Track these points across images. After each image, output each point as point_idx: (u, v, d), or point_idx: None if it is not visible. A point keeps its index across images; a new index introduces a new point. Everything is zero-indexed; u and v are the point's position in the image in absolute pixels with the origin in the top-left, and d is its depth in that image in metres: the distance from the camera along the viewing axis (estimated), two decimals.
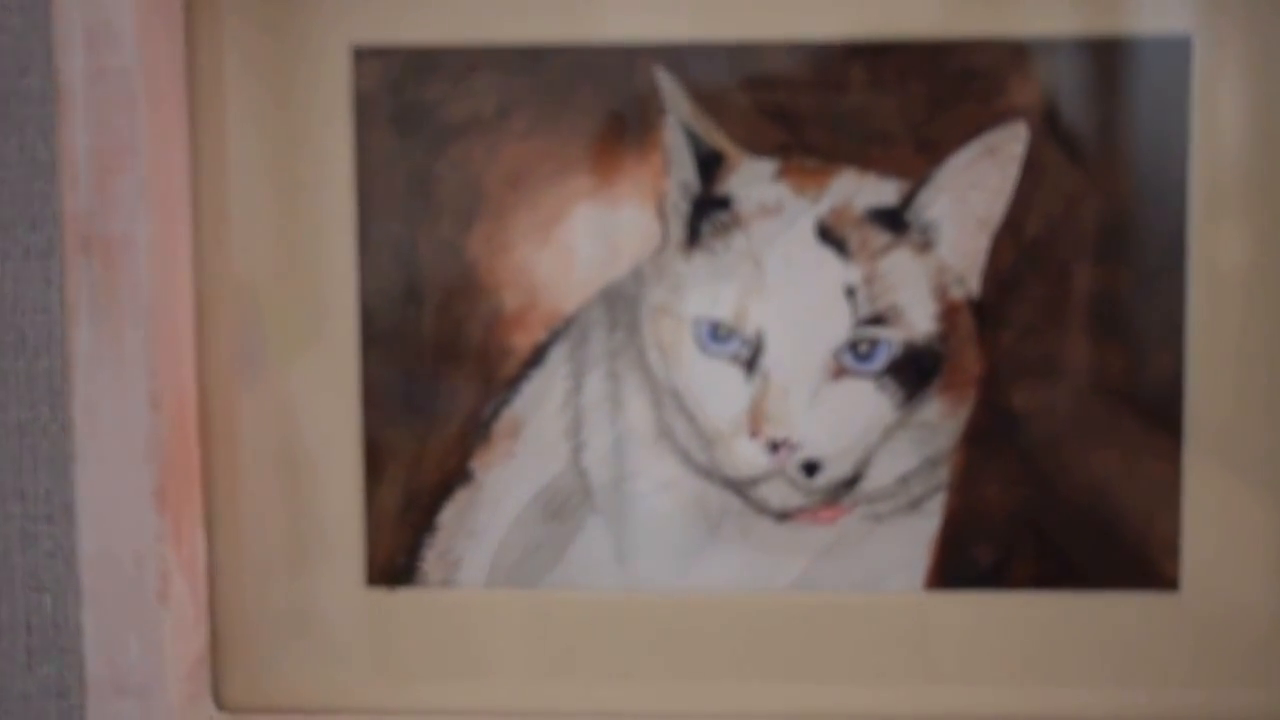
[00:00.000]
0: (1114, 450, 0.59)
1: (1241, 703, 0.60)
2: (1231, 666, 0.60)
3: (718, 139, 0.58)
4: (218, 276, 0.60)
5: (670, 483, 0.60)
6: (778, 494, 0.59)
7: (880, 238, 0.58)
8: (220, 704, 0.62)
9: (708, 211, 0.59)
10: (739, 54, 0.58)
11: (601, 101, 0.58)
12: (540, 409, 0.60)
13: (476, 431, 0.60)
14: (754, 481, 0.59)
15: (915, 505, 0.60)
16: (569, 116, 0.58)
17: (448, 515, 0.61)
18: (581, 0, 0.57)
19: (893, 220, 0.58)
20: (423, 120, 0.59)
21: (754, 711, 0.61)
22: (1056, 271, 0.58)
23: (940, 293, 0.58)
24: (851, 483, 0.59)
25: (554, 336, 0.60)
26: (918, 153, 0.57)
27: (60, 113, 0.55)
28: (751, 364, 0.59)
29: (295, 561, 0.61)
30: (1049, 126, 0.57)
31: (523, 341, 0.60)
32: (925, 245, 0.58)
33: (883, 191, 0.58)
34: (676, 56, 0.58)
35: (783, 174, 0.58)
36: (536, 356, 0.60)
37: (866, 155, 0.58)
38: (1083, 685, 0.60)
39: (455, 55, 0.58)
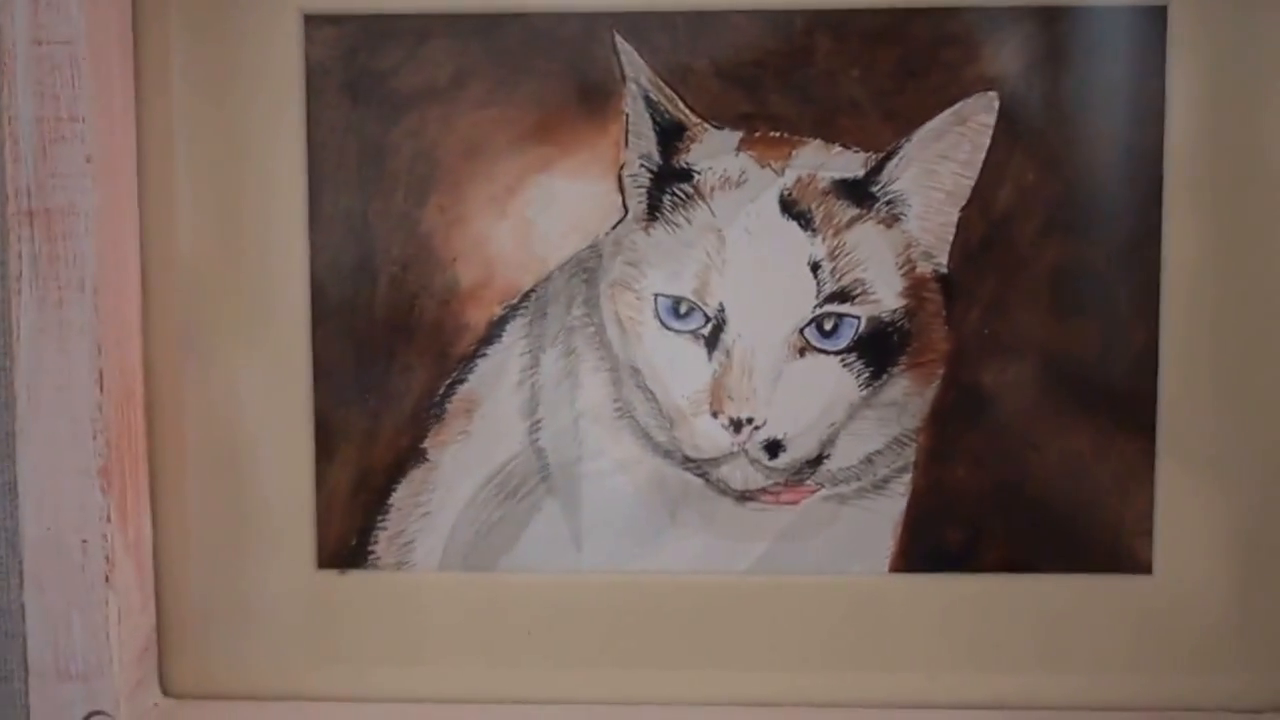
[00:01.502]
0: (1085, 430, 0.58)
1: (1216, 687, 0.59)
2: (1207, 651, 0.59)
3: (679, 109, 0.58)
4: (165, 250, 0.59)
5: (629, 463, 0.59)
6: (739, 474, 0.59)
7: (846, 211, 0.57)
8: (166, 689, 0.61)
9: (669, 184, 0.58)
10: (701, 21, 0.57)
11: (559, 70, 0.57)
12: (496, 387, 0.59)
13: (430, 410, 0.59)
14: (715, 461, 0.59)
15: (881, 486, 0.59)
16: (526, 86, 0.57)
17: (400, 496, 0.60)
18: None
19: (859, 193, 0.57)
20: (375, 89, 0.58)
21: (715, 698, 0.60)
22: (1027, 246, 0.57)
23: (908, 268, 0.58)
24: (815, 463, 0.59)
25: (511, 312, 0.59)
26: (885, 123, 0.57)
27: (2, 82, 0.54)
28: (713, 341, 0.58)
29: (244, 544, 0.60)
30: (1021, 96, 0.57)
31: (478, 317, 0.59)
32: (892, 219, 0.57)
33: (849, 163, 0.57)
34: (636, 24, 0.57)
35: (746, 145, 0.58)
36: (493, 332, 0.59)
37: (832, 126, 0.57)
38: (1053, 671, 0.59)
39: (409, 22, 0.57)
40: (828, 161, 0.57)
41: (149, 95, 0.58)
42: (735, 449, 0.58)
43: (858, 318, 0.57)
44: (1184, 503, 0.58)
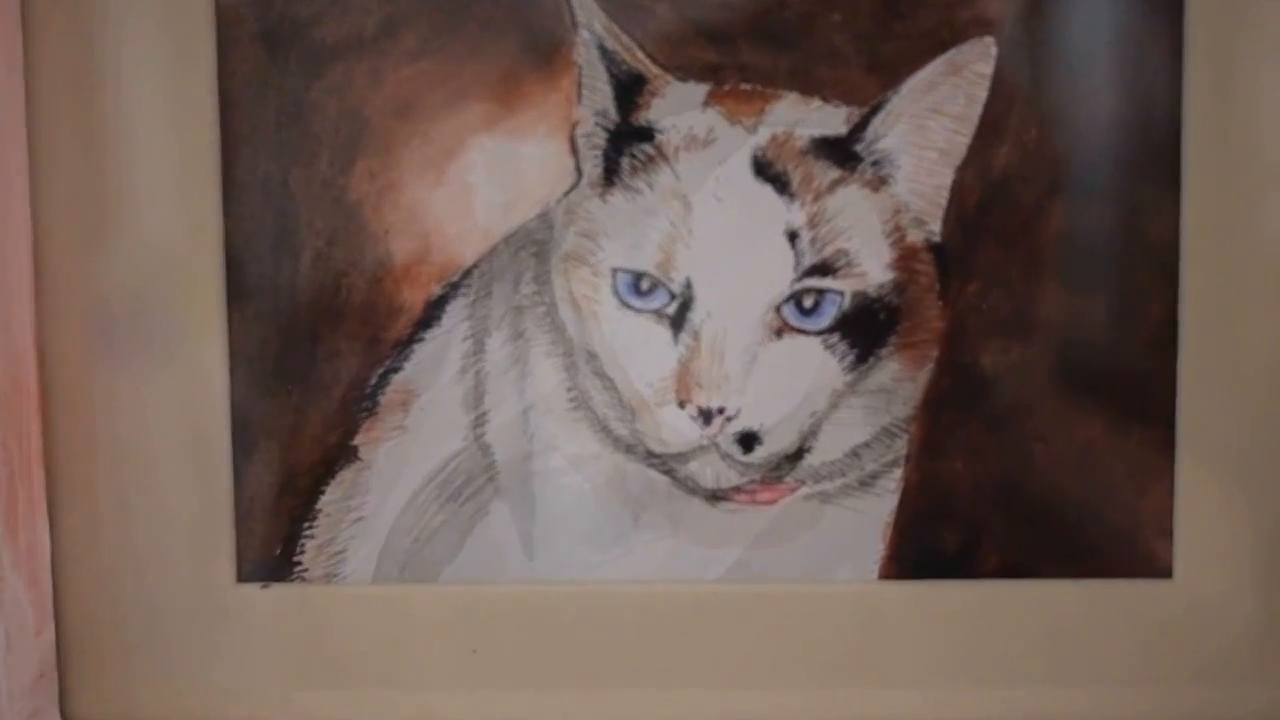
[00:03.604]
0: (1096, 419, 0.56)
1: (1242, 702, 0.57)
2: (1232, 663, 0.57)
3: (638, 59, 0.55)
4: (59, 223, 0.56)
5: (586, 459, 0.57)
6: (710, 471, 0.57)
7: (827, 173, 0.55)
8: (69, 718, 0.58)
9: (627, 144, 0.55)
10: None
11: (502, 16, 0.55)
12: (436, 376, 0.57)
13: (361, 402, 0.57)
14: (683, 457, 0.57)
15: (869, 483, 0.57)
16: (465, 34, 0.55)
17: (329, 500, 0.57)
18: None
19: (841, 152, 0.55)
20: (295, 39, 0.55)
21: None
22: (1030, 210, 0.55)
23: (896, 236, 0.55)
24: (795, 457, 0.56)
25: (451, 291, 0.57)
26: (869, 74, 0.55)
27: None
28: (679, 321, 0.56)
29: (155, 555, 0.58)
30: (1022, 42, 0.54)
31: (414, 297, 0.56)
32: (879, 181, 0.55)
33: (829, 119, 0.55)
34: None
35: (714, 100, 0.55)
36: (431, 314, 0.57)
37: (810, 77, 0.55)
38: (1061, 687, 0.57)
39: None
40: (806, 117, 0.55)
41: (37, 47, 0.55)
42: (705, 442, 0.56)
43: (841, 293, 0.55)
44: (1208, 499, 0.56)
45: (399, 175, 0.55)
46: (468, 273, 0.56)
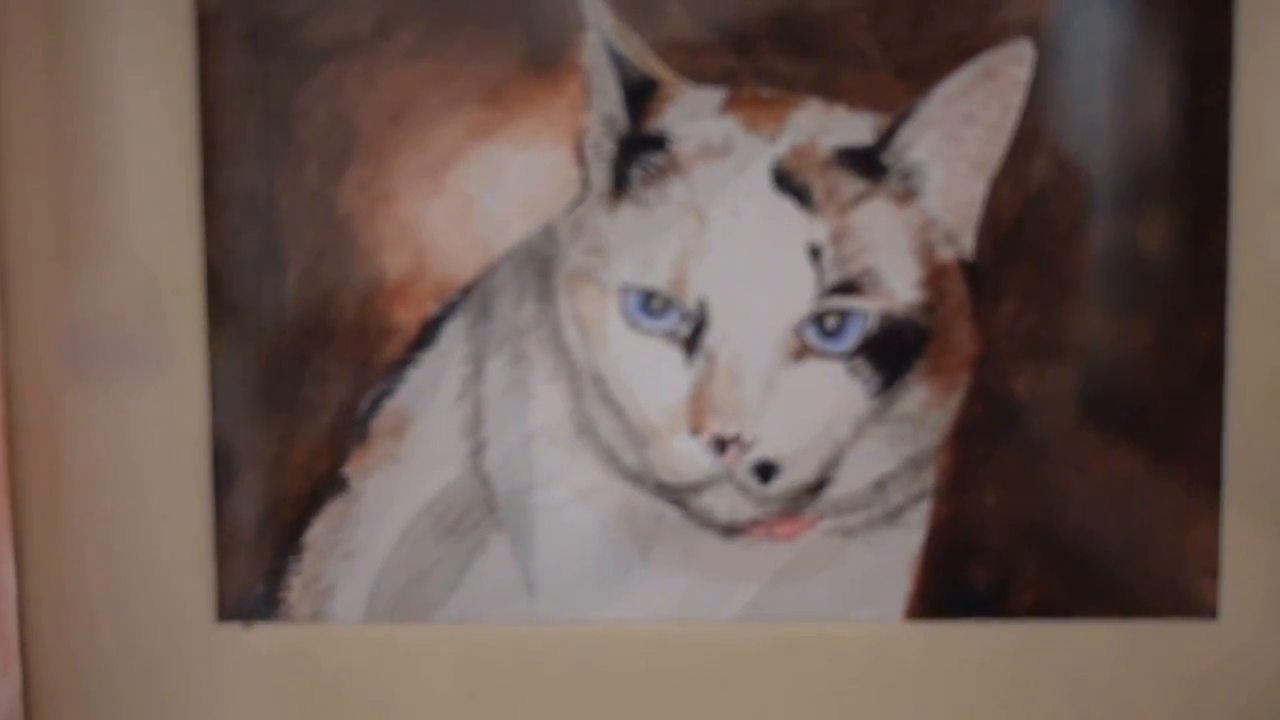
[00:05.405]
0: (1138, 449, 0.55)
1: None
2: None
3: (650, 62, 0.54)
4: (25, 239, 0.55)
5: (592, 491, 0.56)
6: (725, 503, 0.56)
7: (852, 185, 0.54)
8: None
9: (638, 153, 0.55)
10: None
11: (504, 15, 0.54)
12: (431, 401, 0.56)
13: (351, 429, 0.56)
14: (696, 488, 0.56)
15: (894, 516, 0.56)
16: (465, 33, 0.54)
17: (317, 533, 0.57)
18: None
19: (867, 163, 0.54)
20: (281, 40, 0.55)
21: None
22: (1069, 227, 0.54)
23: (925, 253, 0.54)
24: (816, 489, 0.56)
25: (448, 310, 0.56)
26: (898, 79, 0.54)
27: None
28: (693, 343, 0.55)
29: (128, 593, 0.57)
30: (1061, 45, 0.54)
31: (409, 317, 0.56)
32: (907, 194, 0.54)
33: (855, 127, 0.54)
34: None
35: (731, 106, 0.54)
36: (426, 335, 0.56)
37: (834, 83, 0.54)
38: None
39: None
40: (829, 126, 0.54)
41: (6, 49, 0.54)
42: (720, 472, 0.55)
43: (866, 314, 0.54)
44: (1256, 536, 0.55)
45: (392, 186, 0.55)
46: (466, 291, 0.55)
